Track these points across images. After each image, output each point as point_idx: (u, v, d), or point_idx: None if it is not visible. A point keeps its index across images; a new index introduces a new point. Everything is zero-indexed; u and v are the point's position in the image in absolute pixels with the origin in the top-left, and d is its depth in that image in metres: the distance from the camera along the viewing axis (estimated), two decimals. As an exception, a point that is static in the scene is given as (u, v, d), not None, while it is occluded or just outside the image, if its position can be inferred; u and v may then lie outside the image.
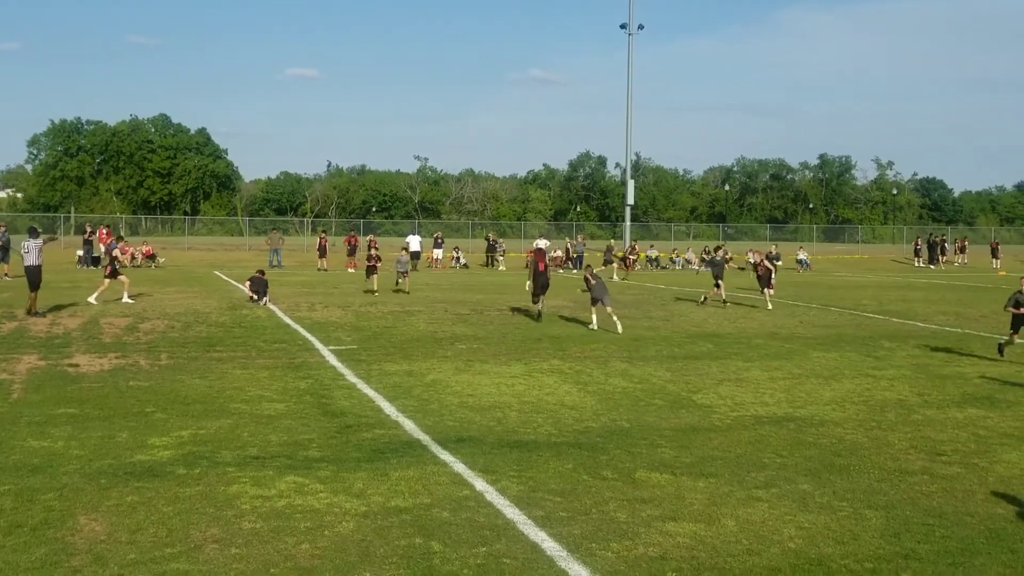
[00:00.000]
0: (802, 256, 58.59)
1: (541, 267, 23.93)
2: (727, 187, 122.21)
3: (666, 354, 18.25)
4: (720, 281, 29.01)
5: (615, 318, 21.74)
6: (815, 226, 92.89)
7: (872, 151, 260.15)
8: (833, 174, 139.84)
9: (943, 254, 63.83)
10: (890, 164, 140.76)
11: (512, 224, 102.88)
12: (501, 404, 12.99)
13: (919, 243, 63.90)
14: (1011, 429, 11.95)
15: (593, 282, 22.15)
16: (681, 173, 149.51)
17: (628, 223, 65.57)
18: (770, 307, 27.84)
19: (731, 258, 29.20)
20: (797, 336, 21.45)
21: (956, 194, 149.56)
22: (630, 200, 64.99)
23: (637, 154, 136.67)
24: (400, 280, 32.12)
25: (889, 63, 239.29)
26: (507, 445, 10.62)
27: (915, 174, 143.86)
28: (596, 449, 10.55)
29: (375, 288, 31.72)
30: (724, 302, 28.60)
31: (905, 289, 38.39)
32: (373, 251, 33.66)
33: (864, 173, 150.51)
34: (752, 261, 27.81)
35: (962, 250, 65.91)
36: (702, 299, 29.51)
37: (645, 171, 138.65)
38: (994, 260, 60.21)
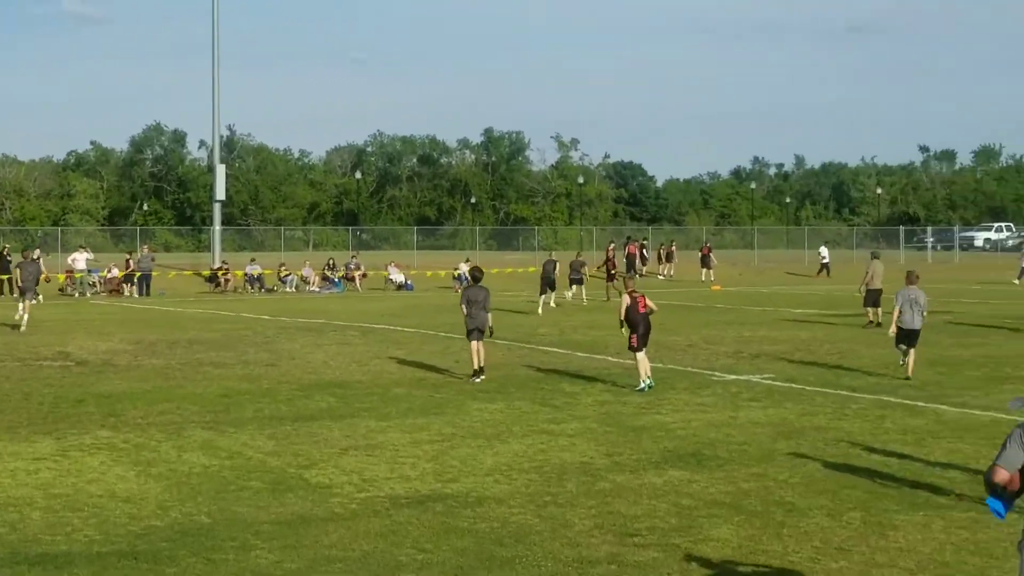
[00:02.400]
0: (395, 275, 59.74)
1: None
2: (359, 175, 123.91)
3: (268, 414, 18.21)
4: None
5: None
6: (479, 227, 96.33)
7: (551, 125, 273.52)
8: (502, 156, 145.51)
9: (643, 263, 68.22)
10: (575, 143, 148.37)
11: (47, 230, 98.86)
12: (18, 500, 12.45)
13: (612, 249, 67.92)
14: (721, 495, 12.93)
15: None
16: (296, 156, 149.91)
17: (218, 227, 64.93)
18: None
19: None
20: (450, 382, 22.10)
21: (659, 183, 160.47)
22: (220, 194, 64.39)
23: (230, 128, 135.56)
24: None
25: (575, 4, 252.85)
26: (25, 561, 10.19)
27: (607, 156, 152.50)
28: (160, 559, 10.32)
29: None
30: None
31: (594, 311, 40.65)
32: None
33: (542, 155, 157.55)
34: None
35: (668, 257, 70.71)
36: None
37: (243, 153, 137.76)
38: (705, 270, 65.09)
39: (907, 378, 22.31)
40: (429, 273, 63.78)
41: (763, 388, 21.25)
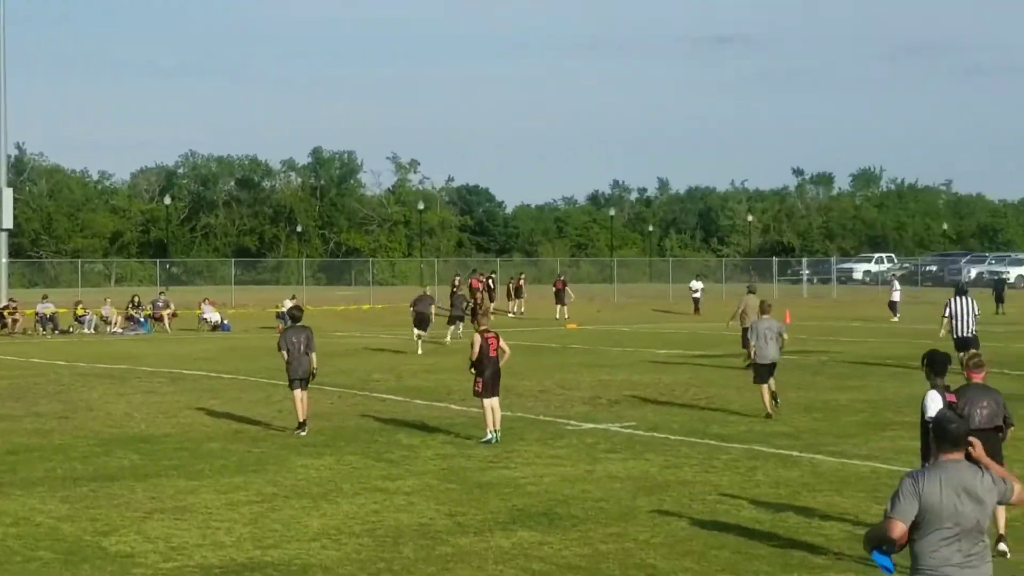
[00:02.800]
0: (210, 314, 58.79)
1: None
2: (169, 200, 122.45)
3: (62, 474, 17.89)
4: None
5: None
6: (306, 259, 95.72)
7: (387, 145, 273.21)
8: (332, 179, 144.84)
9: (491, 299, 68.43)
10: (414, 165, 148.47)
11: None
12: None
13: (458, 283, 68.05)
14: (576, 558, 13.00)
15: None
16: (96, 178, 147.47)
17: (4, 260, 63.62)
18: None
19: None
20: (272, 436, 21.94)
21: (509, 210, 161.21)
22: (7, 222, 63.13)
23: (19, 147, 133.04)
24: None
25: (413, 13, 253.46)
26: None
27: (451, 180, 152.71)
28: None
29: None
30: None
31: (437, 354, 40.63)
32: None
33: (377, 177, 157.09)
34: None
35: (517, 292, 71.02)
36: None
37: (34, 175, 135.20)
38: (559, 307, 65.47)
39: (769, 415, 23.80)
40: (250, 310, 63.20)
41: (623, 438, 21.45)
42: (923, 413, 12.96)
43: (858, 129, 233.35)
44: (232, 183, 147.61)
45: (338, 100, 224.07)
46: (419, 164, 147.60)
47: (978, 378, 13.39)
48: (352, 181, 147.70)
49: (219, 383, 31.18)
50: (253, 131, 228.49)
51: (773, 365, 24.28)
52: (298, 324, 22.84)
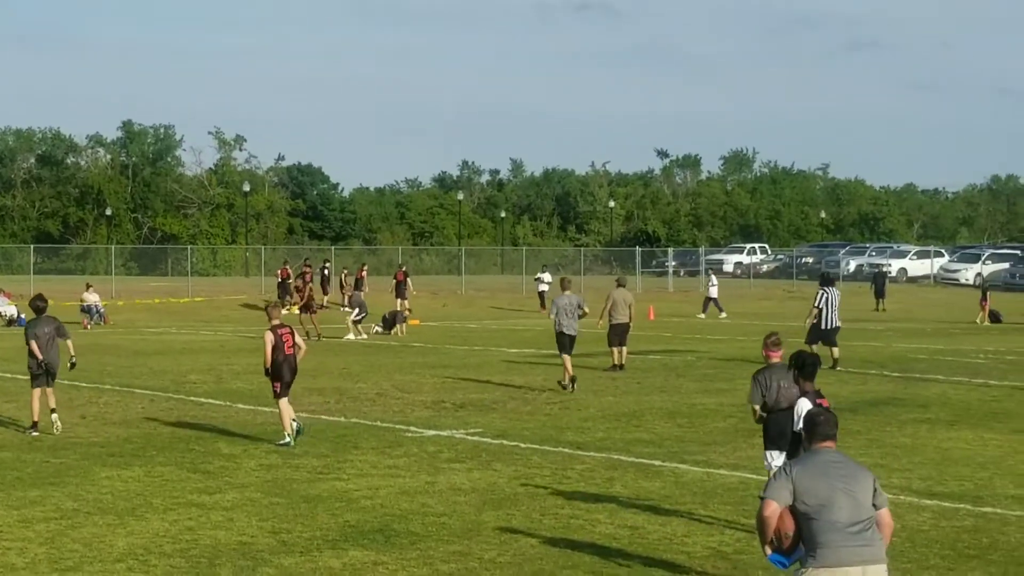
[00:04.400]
0: (4, 307, 57.74)
1: None
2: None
3: None
4: None
5: None
6: (116, 246, 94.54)
7: (209, 119, 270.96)
8: (145, 157, 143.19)
9: (325, 292, 68.08)
10: (240, 141, 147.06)
11: None
12: None
13: (288, 272, 67.57)
14: (414, 579, 13.02)
15: None
16: None
17: None
18: None
19: None
20: (76, 442, 21.64)
21: (346, 193, 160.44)
22: None
23: None
24: None
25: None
26: None
27: (280, 158, 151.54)
28: None
29: None
30: None
31: (260, 354, 40.38)
32: None
33: (197, 155, 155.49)
34: None
35: (357, 285, 70.80)
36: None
37: None
38: (400, 301, 65.32)
39: (564, 386, 28.54)
40: (50, 304, 62.18)
41: (468, 446, 21.51)
42: (794, 420, 13.17)
43: (729, 108, 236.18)
44: (32, 160, 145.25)
45: (153, 67, 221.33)
46: (245, 141, 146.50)
47: (776, 357, 14.25)
48: (169, 159, 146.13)
49: (14, 385, 30.64)
50: (56, 101, 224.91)
51: (572, 338, 29.00)
52: (44, 315, 22.96)
